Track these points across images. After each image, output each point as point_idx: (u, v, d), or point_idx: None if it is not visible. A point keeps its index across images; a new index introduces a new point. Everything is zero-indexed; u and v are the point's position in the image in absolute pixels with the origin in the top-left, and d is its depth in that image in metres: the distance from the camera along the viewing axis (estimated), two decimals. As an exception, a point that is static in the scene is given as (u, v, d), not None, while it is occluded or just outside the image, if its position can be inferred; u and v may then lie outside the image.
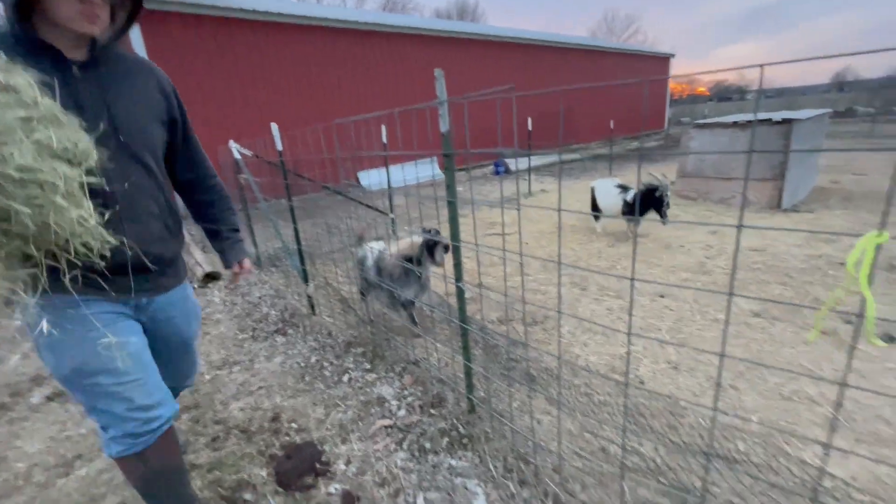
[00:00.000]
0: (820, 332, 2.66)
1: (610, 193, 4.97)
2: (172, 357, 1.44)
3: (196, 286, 4.22)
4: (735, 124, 6.02)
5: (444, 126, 1.55)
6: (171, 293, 1.33)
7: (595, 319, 3.04)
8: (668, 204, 4.58)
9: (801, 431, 1.85)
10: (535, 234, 5.52)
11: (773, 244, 4.39)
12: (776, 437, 1.82)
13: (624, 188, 4.90)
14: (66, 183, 0.83)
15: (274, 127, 2.86)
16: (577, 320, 2.97)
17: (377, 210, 4.77)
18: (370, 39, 10.74)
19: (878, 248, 0.79)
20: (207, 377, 2.58)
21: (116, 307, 1.18)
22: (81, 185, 0.89)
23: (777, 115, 5.80)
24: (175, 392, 1.53)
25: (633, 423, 1.94)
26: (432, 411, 2.05)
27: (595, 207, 5.19)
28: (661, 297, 3.35)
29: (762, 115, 6.07)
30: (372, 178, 9.43)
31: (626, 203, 4.80)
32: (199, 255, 4.77)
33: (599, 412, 2.03)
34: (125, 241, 1.08)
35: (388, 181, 2.79)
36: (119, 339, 1.11)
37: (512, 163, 11.17)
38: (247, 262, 1.58)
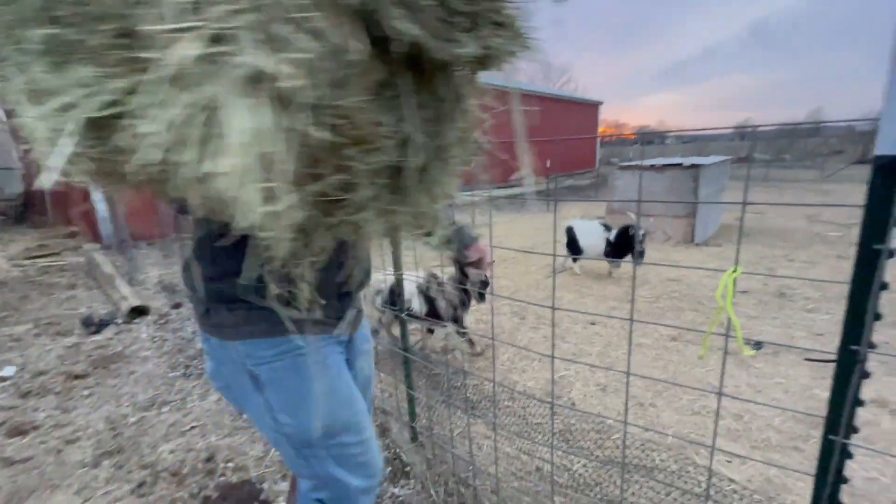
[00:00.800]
0: (707, 351, 3.00)
1: (593, 234, 4.98)
2: (366, 398, 1.18)
3: (120, 322, 3.94)
4: (652, 167, 6.72)
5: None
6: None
7: (532, 347, 3.21)
8: (641, 244, 4.63)
9: (707, 442, 2.08)
10: (478, 265, 5.72)
11: (687, 275, 4.88)
12: (687, 448, 2.03)
13: (608, 228, 4.92)
14: None
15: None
16: (517, 348, 3.13)
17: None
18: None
19: (736, 280, 0.99)
20: (132, 419, 2.42)
21: (337, 345, 0.99)
22: None
23: (687, 161, 6.57)
24: None
25: (564, 443, 2.08)
26: (375, 442, 2.07)
27: (573, 248, 5.12)
28: (592, 324, 3.61)
29: (676, 160, 6.84)
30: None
31: (608, 243, 4.84)
32: (124, 288, 4.47)
33: (535, 434, 2.15)
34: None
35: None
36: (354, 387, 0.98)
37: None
38: (481, 245, 1.27)
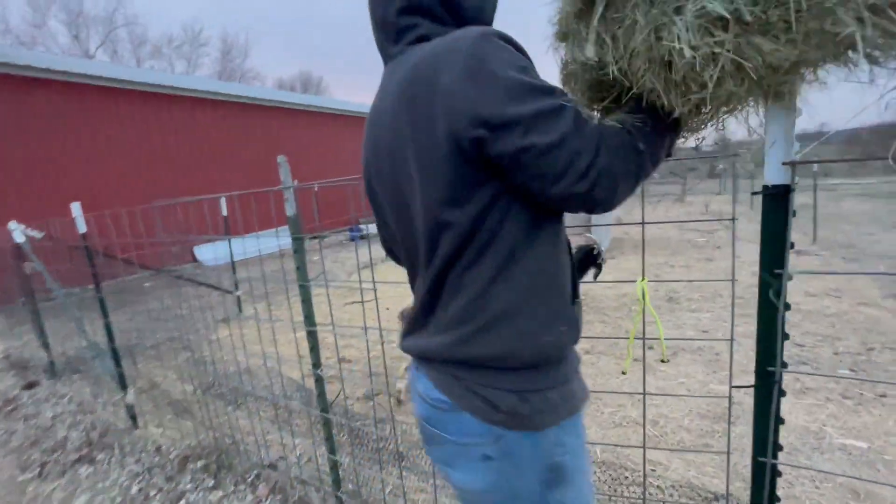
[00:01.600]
0: (632, 361, 3.21)
1: None
2: None
3: (-55, 417, 3.09)
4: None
5: (290, 210, 1.52)
6: None
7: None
8: (604, 260, 4.88)
9: (632, 454, 2.15)
10: (395, 297, 5.58)
11: (591, 288, 5.23)
12: (615, 464, 2.08)
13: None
14: None
15: (76, 207, 2.41)
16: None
17: (219, 289, 4.28)
18: (203, 107, 10.11)
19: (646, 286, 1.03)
20: (-40, 551, 1.85)
21: None
22: None
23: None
24: None
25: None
26: (296, 520, 1.81)
27: None
28: (513, 347, 3.66)
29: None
30: (207, 254, 8.52)
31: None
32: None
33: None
34: None
35: (231, 258, 2.54)
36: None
37: (367, 228, 11.35)
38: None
